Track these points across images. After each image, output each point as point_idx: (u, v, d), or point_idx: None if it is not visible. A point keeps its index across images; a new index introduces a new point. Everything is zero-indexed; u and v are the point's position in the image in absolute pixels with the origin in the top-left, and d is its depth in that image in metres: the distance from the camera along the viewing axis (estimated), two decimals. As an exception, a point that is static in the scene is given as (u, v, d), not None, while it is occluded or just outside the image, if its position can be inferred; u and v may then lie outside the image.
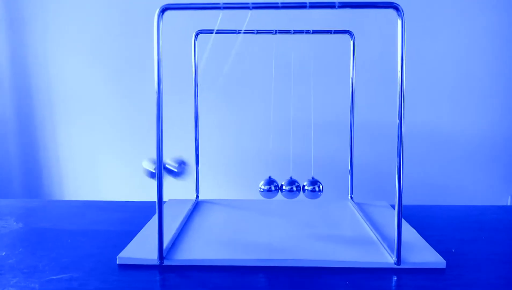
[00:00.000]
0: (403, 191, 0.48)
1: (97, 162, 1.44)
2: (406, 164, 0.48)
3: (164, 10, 0.46)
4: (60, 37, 1.39)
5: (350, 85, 0.72)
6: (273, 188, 0.59)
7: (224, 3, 0.47)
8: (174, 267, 0.49)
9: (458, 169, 1.38)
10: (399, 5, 0.46)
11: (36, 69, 1.41)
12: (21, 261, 0.51)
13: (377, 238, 0.56)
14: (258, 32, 0.68)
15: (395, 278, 0.47)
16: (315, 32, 0.67)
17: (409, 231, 0.59)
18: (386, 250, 0.52)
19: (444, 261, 0.49)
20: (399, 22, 0.46)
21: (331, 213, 0.68)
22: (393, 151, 0.48)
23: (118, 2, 1.37)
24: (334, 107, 1.30)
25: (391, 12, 0.46)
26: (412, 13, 1.26)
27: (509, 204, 1.38)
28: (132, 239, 0.56)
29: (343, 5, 0.46)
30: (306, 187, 0.59)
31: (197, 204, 0.72)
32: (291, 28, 0.67)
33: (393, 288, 0.45)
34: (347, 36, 0.70)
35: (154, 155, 0.49)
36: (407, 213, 0.66)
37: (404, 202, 0.49)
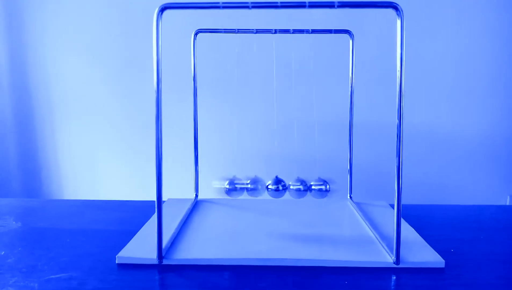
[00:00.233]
0: (402, 191, 0.48)
1: (96, 162, 1.44)
2: (405, 163, 0.48)
3: (163, 9, 0.46)
4: (59, 36, 1.39)
5: (349, 85, 0.72)
6: (280, 187, 0.59)
7: (223, 2, 0.47)
8: (173, 266, 0.49)
9: (457, 169, 1.38)
10: (398, 5, 0.46)
11: (35, 68, 1.41)
12: (20, 260, 0.51)
13: (376, 238, 0.56)
14: (257, 31, 0.68)
15: (394, 278, 0.47)
16: (314, 31, 0.67)
17: (408, 231, 0.59)
18: (385, 250, 0.52)
19: (443, 261, 0.49)
20: (399, 21, 0.46)
21: (330, 212, 0.68)
22: (392, 151, 0.48)
23: (117, 1, 1.37)
24: (333, 106, 1.30)
25: (391, 11, 0.46)
26: (412, 13, 1.26)
27: (508, 203, 1.38)
28: (131, 238, 0.56)
29: (343, 5, 0.46)
30: (313, 187, 0.59)
31: (196, 204, 0.72)
32: (291, 28, 0.67)
33: (392, 287, 0.45)
34: (346, 35, 0.70)
35: (152, 154, 0.49)
36: (406, 213, 0.66)
37: (403, 201, 0.49)
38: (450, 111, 1.36)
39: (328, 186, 0.59)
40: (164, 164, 0.49)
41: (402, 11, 0.46)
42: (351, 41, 0.70)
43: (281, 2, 0.47)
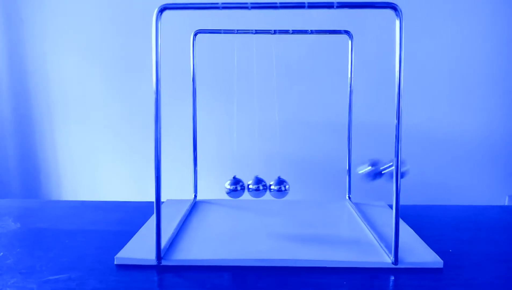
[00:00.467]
0: (401, 191, 0.48)
1: (95, 162, 1.44)
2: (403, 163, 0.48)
3: (162, 9, 0.46)
4: (58, 37, 1.39)
5: (348, 85, 0.72)
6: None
7: (222, 3, 0.47)
8: (172, 267, 0.49)
9: (455, 169, 1.38)
10: (397, 5, 0.46)
11: (34, 69, 1.41)
12: (19, 261, 0.51)
13: (375, 238, 0.56)
14: (257, 32, 0.68)
15: (393, 278, 0.47)
16: (313, 32, 0.68)
17: (406, 231, 0.59)
18: (384, 250, 0.52)
19: (442, 261, 0.49)
20: (397, 22, 0.46)
21: (329, 213, 0.68)
22: (391, 151, 0.49)
23: (116, 1, 1.36)
24: (332, 107, 1.30)
25: (389, 12, 0.46)
26: (410, 13, 1.26)
27: (506, 204, 1.38)
28: (130, 239, 0.56)
29: (342, 5, 0.46)
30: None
31: (195, 204, 0.72)
32: (290, 28, 0.68)
33: (391, 288, 0.45)
34: (345, 36, 0.70)
35: (151, 155, 0.49)
36: (404, 213, 0.66)
37: (402, 202, 0.49)
38: (449, 111, 1.37)
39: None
40: (163, 165, 0.49)
41: (401, 11, 0.46)
42: (350, 42, 0.70)
43: (280, 3, 0.47)
